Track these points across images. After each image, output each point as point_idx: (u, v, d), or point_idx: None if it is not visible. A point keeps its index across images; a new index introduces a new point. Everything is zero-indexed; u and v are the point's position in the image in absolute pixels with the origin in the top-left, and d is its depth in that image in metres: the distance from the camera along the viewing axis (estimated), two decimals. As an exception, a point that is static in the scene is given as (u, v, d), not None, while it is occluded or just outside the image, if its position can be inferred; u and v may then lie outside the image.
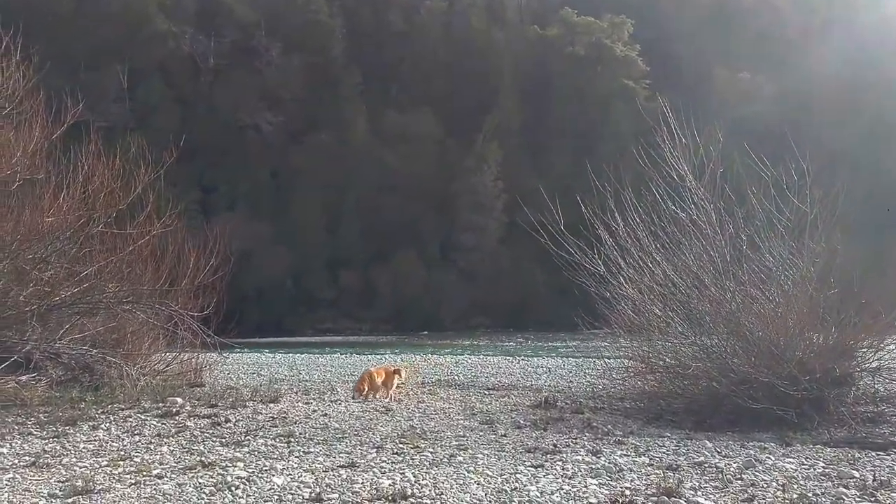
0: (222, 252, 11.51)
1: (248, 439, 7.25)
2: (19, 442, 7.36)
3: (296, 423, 8.24)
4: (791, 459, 6.42)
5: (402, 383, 12.16)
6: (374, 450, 6.73)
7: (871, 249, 14.08)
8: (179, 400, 9.77)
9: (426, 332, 51.51)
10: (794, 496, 5.08)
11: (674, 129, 11.51)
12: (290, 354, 28.14)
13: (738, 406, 9.53)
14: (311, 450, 6.74)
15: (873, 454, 6.83)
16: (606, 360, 21.84)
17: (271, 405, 9.80)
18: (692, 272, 10.56)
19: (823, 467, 6.15)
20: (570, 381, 15.64)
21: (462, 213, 64.18)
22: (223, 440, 7.26)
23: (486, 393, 12.65)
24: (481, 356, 25.61)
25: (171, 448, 6.88)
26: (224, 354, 27.22)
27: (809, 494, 5.16)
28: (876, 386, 9.45)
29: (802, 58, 63.92)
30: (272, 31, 69.91)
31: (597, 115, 66.65)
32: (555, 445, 6.99)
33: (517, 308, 58.02)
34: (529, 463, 6.21)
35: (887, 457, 6.74)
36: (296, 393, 12.79)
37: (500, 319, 57.48)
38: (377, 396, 11.39)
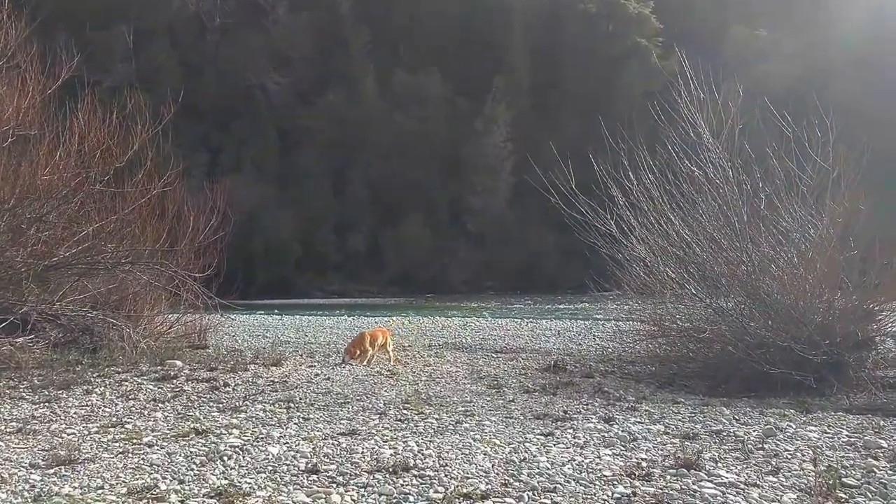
0: (223, 212, 11.13)
1: (247, 405, 6.98)
2: (8, 407, 7.13)
3: (297, 387, 7.97)
4: (813, 427, 6.10)
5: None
6: (377, 416, 6.45)
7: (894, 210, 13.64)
8: (179, 363, 9.52)
9: (432, 295, 51.33)
10: (822, 468, 4.76)
11: (691, 82, 11.01)
12: (297, 316, 28.00)
13: (753, 371, 9.21)
14: (311, 416, 6.46)
15: (899, 422, 6.51)
16: (616, 322, 21.61)
17: (273, 368, 9.54)
18: (707, 233, 10.16)
19: (848, 436, 5.83)
20: (580, 344, 15.36)
21: (471, 175, 63.59)
22: (220, 405, 6.98)
23: (494, 356, 12.37)
24: (489, 319, 25.38)
25: (166, 414, 6.61)
26: (230, 316, 27.17)
27: (838, 467, 4.84)
28: (897, 350, 9.12)
29: (823, 14, 62.35)
30: (278, -12, 68.81)
31: (609, 74, 65.47)
32: (565, 412, 6.69)
33: (525, 270, 57.74)
34: (539, 431, 5.91)
35: (913, 425, 6.41)
36: (300, 356, 12.55)
37: (508, 282, 57.27)
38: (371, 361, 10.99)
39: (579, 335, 17.51)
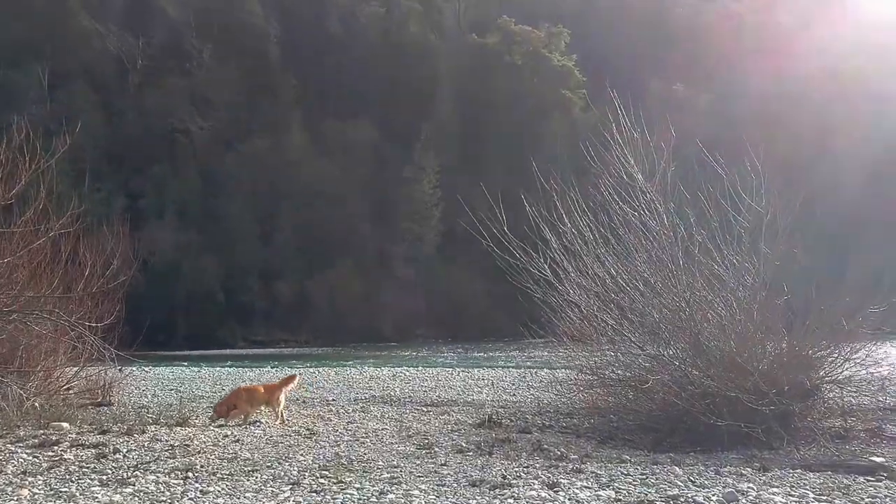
0: (124, 255, 10.09)
1: (136, 476, 5.98)
2: None
3: (200, 452, 6.99)
4: (776, 490, 5.55)
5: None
6: (289, 487, 5.58)
7: (827, 259, 13.64)
8: (66, 425, 8.37)
9: (361, 344, 50.12)
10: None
11: (622, 120, 10.73)
12: (217, 368, 26.51)
13: (698, 423, 8.73)
14: (211, 489, 5.54)
15: (862, 480, 6.04)
16: (550, 370, 21.11)
17: (177, 430, 8.50)
18: (644, 277, 9.74)
19: (815, 498, 5.30)
20: (514, 395, 14.72)
21: (400, 223, 63.11)
22: (104, 477, 5.95)
23: (425, 410, 11.59)
24: (420, 368, 24.54)
25: (35, 491, 5.56)
26: (145, 368, 25.53)
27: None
28: (844, 398, 8.77)
29: (733, 73, 65.01)
30: (204, 32, 67.82)
31: (535, 124, 66.48)
32: (504, 477, 5.96)
33: (456, 318, 57.12)
34: (475, 501, 5.18)
35: (878, 483, 5.95)
36: (209, 413, 11.50)
37: (438, 329, 56.58)
38: (250, 420, 9.88)
39: (513, 385, 16.89)
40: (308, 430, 8.83)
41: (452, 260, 60.26)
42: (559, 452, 7.46)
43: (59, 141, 11.92)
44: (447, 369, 23.51)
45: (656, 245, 10.42)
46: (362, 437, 8.33)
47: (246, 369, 25.99)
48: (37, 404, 10.67)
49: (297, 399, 13.84)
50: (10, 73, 60.37)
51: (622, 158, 11.29)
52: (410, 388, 16.25)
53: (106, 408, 12.65)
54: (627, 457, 7.37)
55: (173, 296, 56.11)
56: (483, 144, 65.99)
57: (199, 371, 24.49)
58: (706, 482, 5.83)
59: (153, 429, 8.38)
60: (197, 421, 9.68)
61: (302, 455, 6.88)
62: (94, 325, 10.10)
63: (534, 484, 5.69)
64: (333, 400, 13.58)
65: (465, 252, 59.47)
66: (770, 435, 8.49)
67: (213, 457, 6.72)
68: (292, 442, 7.75)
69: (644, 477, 5.98)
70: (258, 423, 9.52)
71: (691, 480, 5.89)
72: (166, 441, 7.55)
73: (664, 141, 11.41)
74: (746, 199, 10.17)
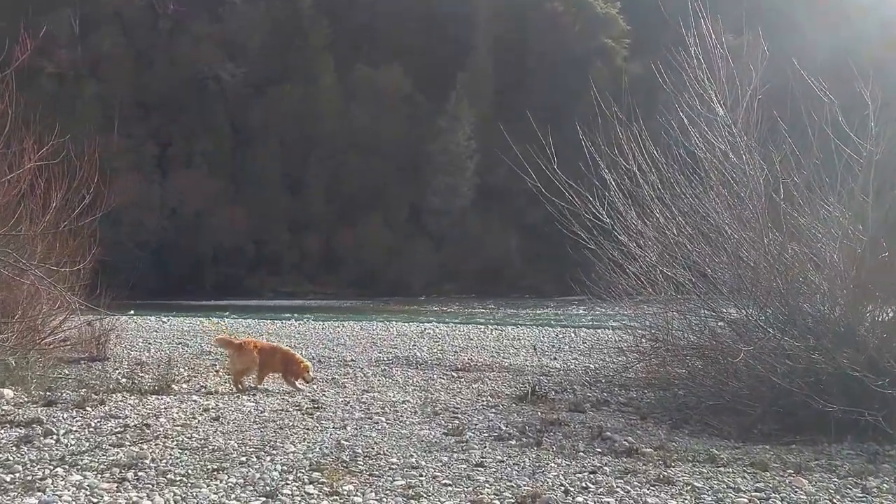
0: (93, 184, 8.43)
1: (57, 473, 4.38)
2: None
3: (160, 436, 5.38)
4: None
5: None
6: (259, 501, 3.99)
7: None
8: (8, 392, 6.85)
9: (391, 298, 48.90)
10: None
11: (707, 30, 8.79)
12: (240, 319, 25.23)
13: (794, 406, 6.98)
14: (150, 499, 3.97)
15: None
16: (591, 331, 19.40)
17: (152, 398, 6.97)
18: (744, 221, 7.92)
19: None
20: (555, 359, 13.04)
21: (432, 175, 61.10)
22: (11, 477, 4.38)
23: (455, 376, 10.00)
24: (450, 324, 22.94)
25: None
26: (164, 319, 24.34)
27: None
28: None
29: (786, 22, 61.27)
30: (235, -25, 65.73)
31: (575, 74, 63.57)
32: (566, 490, 4.29)
33: (488, 274, 55.41)
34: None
35: None
36: (212, 374, 10.04)
37: (470, 285, 54.95)
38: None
39: (553, 347, 15.20)
40: (312, 401, 7.25)
41: (486, 214, 58.35)
42: (627, 444, 5.79)
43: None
44: (479, 327, 21.88)
45: (740, 187, 8.58)
46: (377, 413, 6.73)
47: (268, 321, 24.67)
48: (11, 361, 9.23)
49: (313, 358, 12.38)
50: (40, 18, 59.23)
51: (697, 83, 9.39)
52: (439, 347, 14.66)
53: (99, 363, 11.32)
54: (716, 451, 5.66)
55: (202, 246, 55.35)
56: (521, 95, 63.25)
57: (219, 322, 23.18)
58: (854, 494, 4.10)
59: (118, 398, 6.85)
60: (185, 385, 8.16)
61: (293, 443, 5.27)
62: (58, 268, 8.51)
63: (609, 501, 4.01)
64: (353, 360, 12.05)
65: (500, 206, 57.66)
66: (892, 422, 6.69)
67: (174, 444, 5.14)
68: (287, 420, 6.15)
69: (764, 496, 4.25)
70: (254, 391, 7.98)
71: (833, 495, 4.15)
72: (124, 417, 5.99)
73: (752, 60, 9.47)
74: (854, 136, 8.21)
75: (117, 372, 10.23)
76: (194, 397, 7.24)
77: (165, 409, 6.40)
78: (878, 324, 7.35)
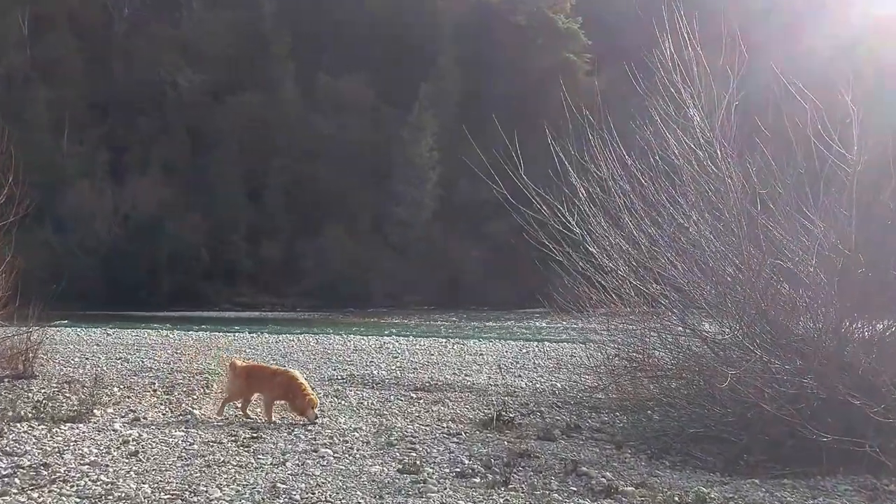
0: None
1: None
2: None
3: (60, 478, 4.55)
4: None
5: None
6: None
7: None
8: None
9: (352, 310, 48.00)
10: None
11: (681, 29, 8.32)
12: (187, 332, 24.16)
13: (783, 435, 6.45)
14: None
15: None
16: (553, 344, 18.84)
17: (64, 428, 6.10)
18: (720, 231, 7.40)
19: None
20: (518, 376, 12.44)
21: (395, 185, 60.29)
22: None
23: (413, 397, 9.29)
24: (410, 338, 22.21)
25: None
26: (108, 332, 23.15)
27: None
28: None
29: (746, 37, 61.93)
30: (193, -22, 64.46)
31: (538, 86, 63.49)
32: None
33: (450, 285, 54.72)
34: None
35: None
36: (149, 394, 9.19)
37: (431, 297, 54.17)
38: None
39: (516, 363, 14.61)
40: (252, 430, 6.47)
41: (449, 226, 57.74)
42: (605, 480, 5.13)
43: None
44: (440, 340, 21.21)
45: (717, 199, 8.11)
46: (325, 443, 6.00)
47: (220, 334, 23.66)
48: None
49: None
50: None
51: (671, 87, 8.95)
52: (398, 364, 13.95)
53: (25, 381, 10.39)
54: (704, 489, 5.05)
55: (155, 254, 53.76)
56: (485, 106, 62.94)
57: (166, 335, 22.12)
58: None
59: (22, 428, 5.98)
60: (111, 409, 7.30)
61: (220, 485, 4.51)
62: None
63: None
64: (304, 379, 11.22)
65: (463, 218, 57.12)
66: (889, 453, 6.18)
67: (72, 490, 4.33)
68: (218, 454, 5.39)
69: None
70: (185, 420, 7.15)
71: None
72: (21, 454, 5.15)
73: (729, 65, 9.05)
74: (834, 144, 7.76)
75: (42, 392, 9.31)
76: (116, 425, 6.41)
77: (76, 441, 5.58)
78: (866, 342, 6.85)
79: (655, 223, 8.51)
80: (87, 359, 13.85)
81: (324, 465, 5.24)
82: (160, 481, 4.61)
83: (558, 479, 5.17)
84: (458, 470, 5.27)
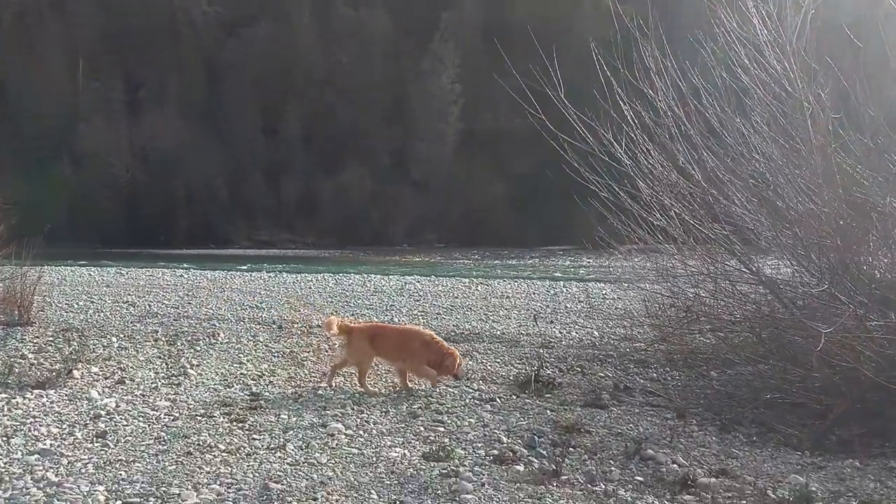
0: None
1: None
2: None
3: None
4: None
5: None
6: None
7: None
8: None
9: (371, 248, 47.26)
10: None
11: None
12: (202, 272, 23.39)
13: (881, 407, 5.42)
14: None
15: None
16: (581, 283, 17.81)
17: (31, 396, 5.19)
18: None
19: None
20: (551, 322, 11.43)
21: (415, 120, 58.67)
22: None
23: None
24: (432, 278, 21.26)
25: None
26: (122, 272, 22.44)
27: None
28: None
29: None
30: None
31: (563, 15, 60.83)
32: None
33: (472, 223, 53.63)
34: None
35: None
36: (151, 342, 8.35)
37: (453, 235, 53.19)
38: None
39: (547, 307, 13.60)
40: (252, 395, 5.54)
41: (471, 162, 56.21)
42: (678, 468, 4.13)
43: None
44: (463, 281, 20.22)
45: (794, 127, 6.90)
46: (336, 415, 5.04)
47: (236, 273, 22.89)
48: None
49: (274, 322, 10.80)
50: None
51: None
52: (420, 307, 13.03)
53: (20, 329, 9.59)
54: (802, 479, 4.03)
55: (174, 191, 53.08)
56: (508, 36, 60.58)
57: (181, 275, 21.34)
58: None
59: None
60: (96, 368, 6.40)
61: (196, 485, 3.56)
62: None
63: None
64: (319, 325, 10.34)
65: (484, 154, 55.57)
66: None
67: (1, 497, 3.39)
68: (204, 434, 4.44)
69: None
70: (178, 379, 6.23)
71: None
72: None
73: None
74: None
75: (34, 343, 8.48)
76: (94, 392, 5.49)
77: (36, 417, 4.66)
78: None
79: (717, 156, 7.34)
80: (92, 302, 13.03)
81: (332, 448, 4.29)
82: (122, 480, 3.66)
83: (619, 465, 4.21)
84: (495, 453, 4.31)
